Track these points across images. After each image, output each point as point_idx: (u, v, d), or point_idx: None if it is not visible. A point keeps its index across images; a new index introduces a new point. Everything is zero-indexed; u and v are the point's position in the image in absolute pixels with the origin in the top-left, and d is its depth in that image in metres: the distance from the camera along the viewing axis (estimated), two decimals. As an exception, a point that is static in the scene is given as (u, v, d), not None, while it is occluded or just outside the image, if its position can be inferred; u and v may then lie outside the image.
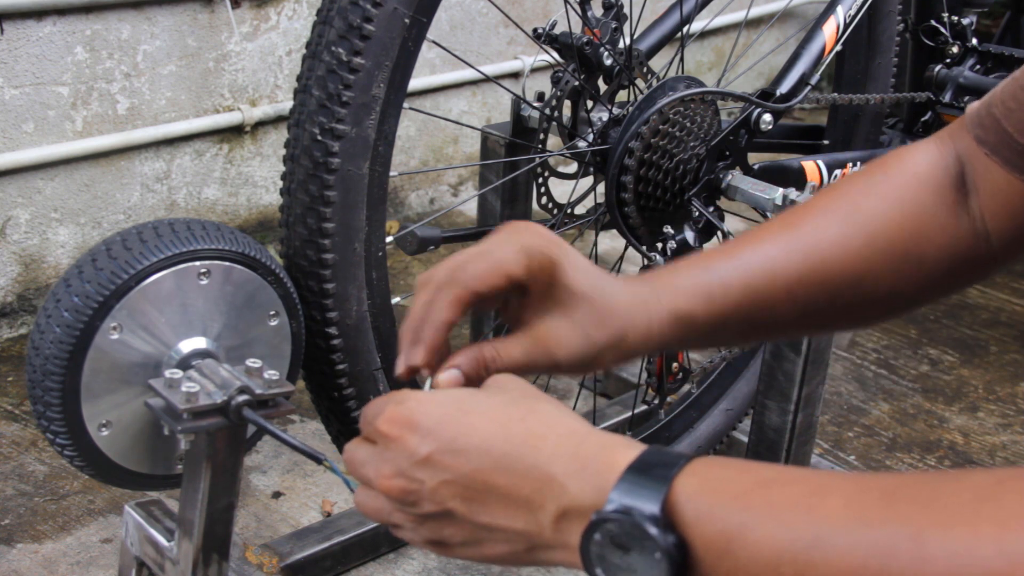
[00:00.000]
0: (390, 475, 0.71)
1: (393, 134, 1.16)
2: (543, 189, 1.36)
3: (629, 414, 1.94)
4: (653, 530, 0.61)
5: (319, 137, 1.10)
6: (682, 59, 1.42)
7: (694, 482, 0.62)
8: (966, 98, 1.74)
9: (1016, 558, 0.52)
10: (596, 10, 1.35)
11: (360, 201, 1.14)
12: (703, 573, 0.61)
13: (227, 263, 1.03)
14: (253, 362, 1.00)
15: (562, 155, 1.36)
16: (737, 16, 3.20)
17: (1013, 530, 0.53)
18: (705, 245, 1.36)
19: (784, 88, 1.39)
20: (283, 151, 1.17)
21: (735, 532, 0.60)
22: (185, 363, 1.01)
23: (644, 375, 1.45)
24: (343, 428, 1.24)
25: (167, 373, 0.97)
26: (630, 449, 0.66)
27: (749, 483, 0.62)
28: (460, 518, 0.70)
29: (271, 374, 1.01)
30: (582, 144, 1.34)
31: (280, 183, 1.17)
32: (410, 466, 0.70)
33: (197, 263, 1.01)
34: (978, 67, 1.73)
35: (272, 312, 1.08)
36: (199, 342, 1.02)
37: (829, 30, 1.43)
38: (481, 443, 0.69)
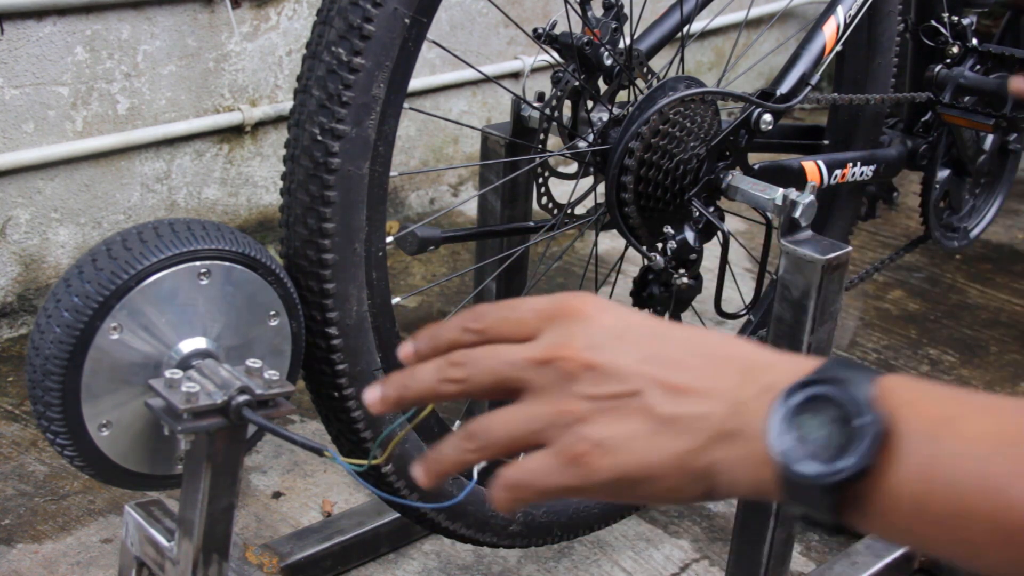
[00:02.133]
0: (578, 346, 0.62)
1: (393, 134, 1.16)
2: (543, 189, 1.36)
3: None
4: (864, 393, 0.56)
5: (319, 137, 1.10)
6: (682, 59, 1.42)
7: (898, 379, 0.58)
8: (966, 98, 1.74)
9: None
10: (597, 11, 1.35)
11: (360, 201, 1.14)
12: (905, 456, 0.55)
13: (227, 263, 1.03)
14: (253, 362, 1.01)
15: (562, 155, 1.36)
16: (737, 16, 3.19)
17: None
18: (705, 245, 1.36)
19: (784, 88, 1.39)
20: (283, 151, 1.17)
21: (950, 416, 0.55)
22: (185, 363, 1.01)
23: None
24: (343, 428, 1.24)
25: (167, 373, 0.97)
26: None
27: (958, 395, 0.57)
28: (649, 399, 0.61)
29: (271, 374, 1.01)
30: (582, 144, 1.34)
31: (280, 183, 1.17)
32: (601, 339, 0.63)
33: (197, 263, 1.01)
34: (978, 67, 1.73)
35: (272, 312, 1.08)
36: (199, 342, 1.02)
37: (829, 30, 1.43)
38: (678, 333, 0.63)
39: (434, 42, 1.27)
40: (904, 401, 0.56)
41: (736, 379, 0.60)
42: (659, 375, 0.61)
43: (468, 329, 0.67)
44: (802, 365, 0.60)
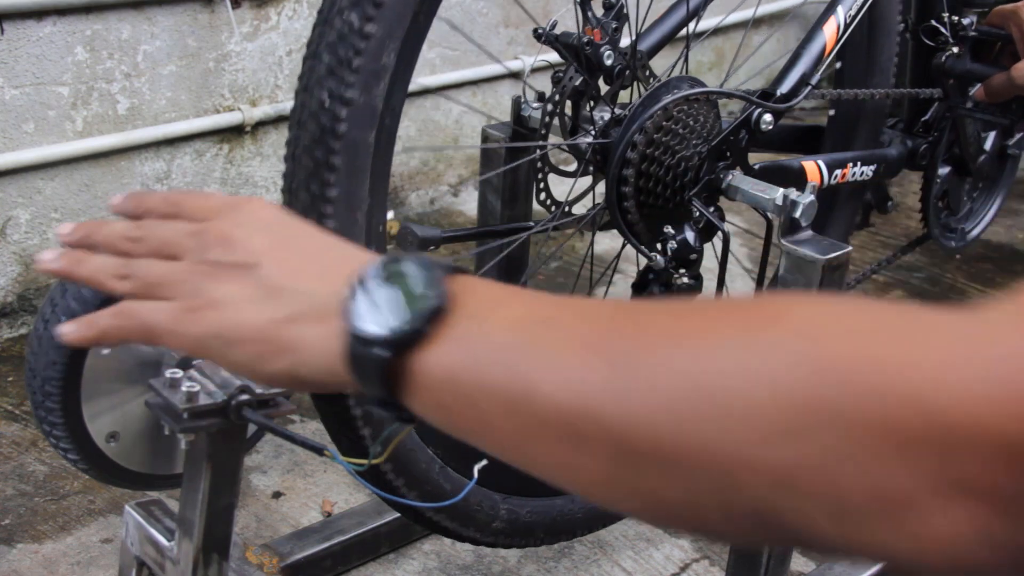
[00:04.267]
0: (224, 225, 0.72)
1: (400, 107, 1.15)
2: (542, 185, 1.36)
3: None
4: (435, 275, 0.62)
5: (327, 103, 1.09)
6: (686, 60, 1.42)
7: (475, 278, 0.64)
8: (971, 90, 1.73)
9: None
10: (597, 12, 1.35)
11: (364, 170, 1.12)
12: (451, 331, 0.60)
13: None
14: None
15: (563, 147, 1.36)
16: (737, 16, 3.19)
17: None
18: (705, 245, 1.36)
19: (784, 88, 1.39)
20: (284, 151, 1.17)
21: (500, 301, 0.61)
22: (185, 362, 1.01)
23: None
24: (341, 424, 1.24)
25: (167, 373, 0.97)
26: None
27: (510, 292, 0.63)
28: (263, 272, 0.68)
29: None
30: (585, 139, 1.34)
31: (281, 183, 1.17)
32: (247, 223, 0.71)
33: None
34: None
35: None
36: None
37: (829, 30, 1.43)
38: (322, 235, 0.72)
39: (448, 22, 1.27)
40: (468, 288, 0.62)
41: (343, 274, 0.65)
42: (279, 256, 0.69)
43: (161, 211, 0.76)
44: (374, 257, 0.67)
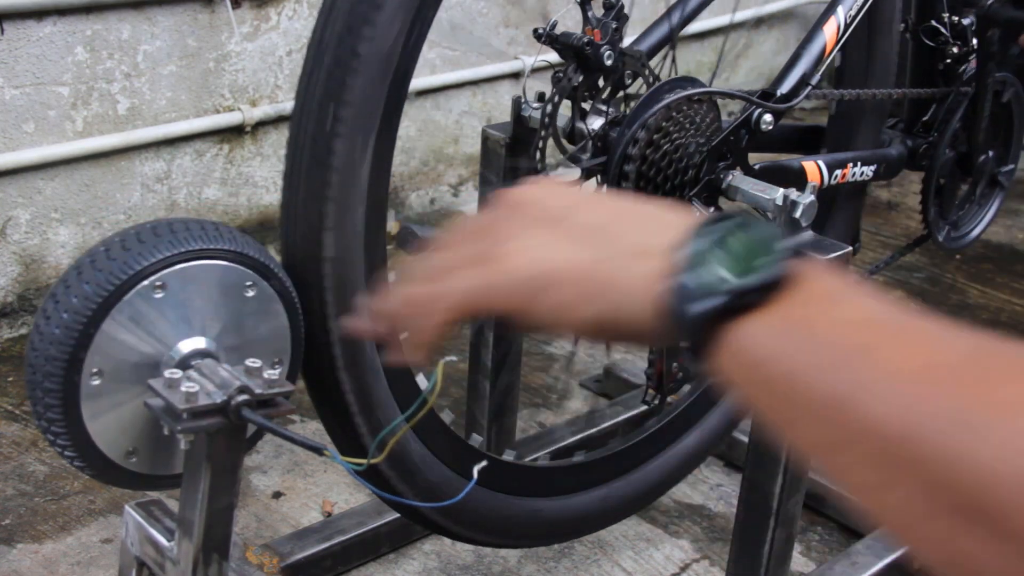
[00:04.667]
0: (529, 197, 0.68)
1: (418, 51, 1.15)
2: None
3: (629, 414, 1.94)
4: (785, 244, 0.57)
5: (348, 30, 1.10)
6: (674, 60, 1.42)
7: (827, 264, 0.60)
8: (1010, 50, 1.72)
9: None
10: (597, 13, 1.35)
11: (379, 98, 1.13)
12: (782, 309, 0.56)
13: (226, 263, 1.03)
14: (253, 362, 1.00)
15: (564, 164, 1.36)
16: (737, 17, 3.20)
17: None
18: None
19: (784, 88, 1.39)
20: (284, 151, 1.16)
21: (842, 297, 0.56)
22: (185, 363, 1.01)
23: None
24: (339, 420, 1.24)
25: (166, 373, 0.97)
26: None
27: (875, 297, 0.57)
28: (574, 219, 0.65)
29: (271, 374, 1.01)
30: (586, 147, 1.34)
31: (280, 183, 1.17)
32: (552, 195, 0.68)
33: (196, 263, 1.01)
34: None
35: (271, 311, 1.08)
36: (198, 342, 1.02)
37: (829, 30, 1.43)
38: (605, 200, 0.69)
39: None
40: (809, 273, 0.57)
41: (673, 223, 0.63)
42: (592, 207, 0.66)
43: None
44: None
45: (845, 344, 0.53)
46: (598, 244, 0.63)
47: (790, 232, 0.58)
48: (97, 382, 0.98)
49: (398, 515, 1.58)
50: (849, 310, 0.56)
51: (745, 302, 0.56)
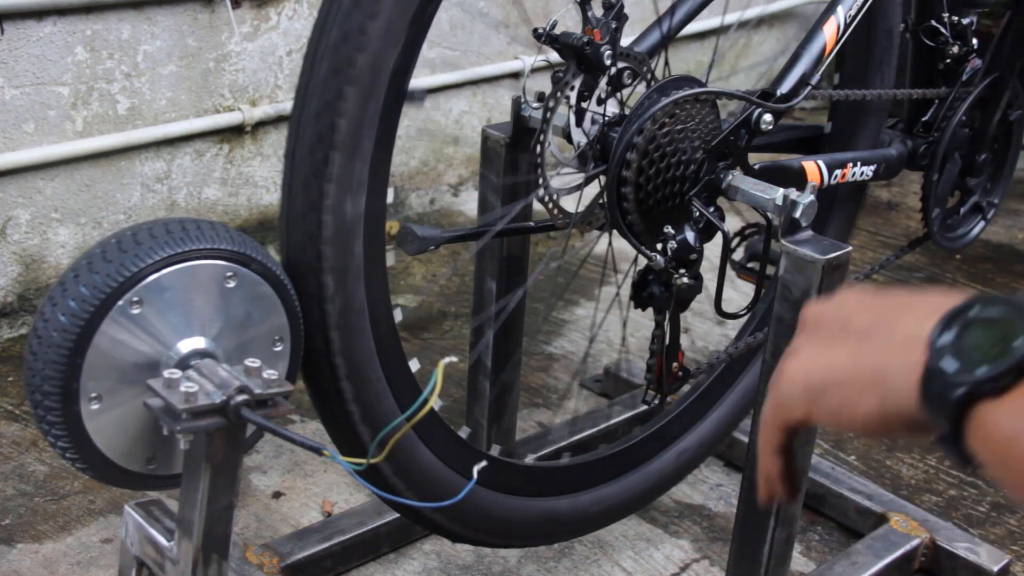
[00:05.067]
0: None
1: (426, 29, 1.16)
2: (550, 206, 1.36)
3: (630, 414, 1.94)
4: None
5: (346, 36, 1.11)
6: (667, 61, 1.42)
7: None
8: None
9: None
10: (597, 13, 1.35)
11: (384, 70, 1.13)
12: None
13: (225, 263, 1.03)
14: (252, 362, 1.00)
15: (564, 167, 1.35)
16: (734, 17, 3.19)
17: None
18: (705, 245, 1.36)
19: (784, 88, 1.38)
20: (283, 151, 1.17)
21: None
22: (184, 363, 1.01)
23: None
24: (341, 425, 1.24)
25: (166, 373, 0.97)
26: None
27: None
28: (850, 326, 0.69)
29: (270, 374, 1.01)
30: (585, 144, 1.34)
31: (280, 183, 1.17)
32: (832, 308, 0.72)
33: (195, 263, 1.01)
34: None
35: (270, 311, 1.08)
36: (198, 342, 1.02)
37: (829, 30, 1.43)
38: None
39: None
40: None
41: (932, 310, 0.65)
42: (857, 307, 0.70)
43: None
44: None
45: None
46: (865, 342, 0.67)
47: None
48: (97, 382, 0.98)
49: (398, 515, 1.58)
50: None
51: (995, 386, 0.58)
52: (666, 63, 1.42)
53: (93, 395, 0.98)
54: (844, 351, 0.68)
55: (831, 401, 0.67)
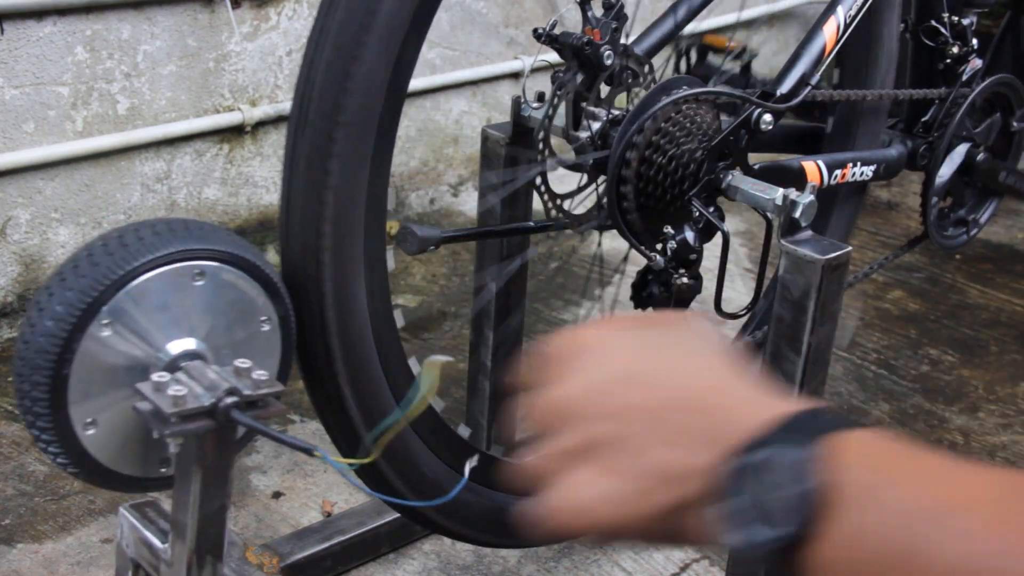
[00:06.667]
0: (577, 386, 0.67)
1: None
2: (546, 199, 1.36)
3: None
4: (800, 457, 0.60)
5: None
6: (675, 60, 1.42)
7: (856, 436, 0.61)
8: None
9: None
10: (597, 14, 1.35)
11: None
12: (832, 529, 0.59)
13: (214, 263, 1.02)
14: (242, 362, 1.00)
15: (562, 163, 1.35)
16: (734, 17, 3.19)
17: None
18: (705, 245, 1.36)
19: (784, 88, 1.38)
20: (283, 151, 1.16)
21: (881, 489, 0.58)
22: (173, 365, 1.00)
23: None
24: (339, 425, 1.23)
25: (155, 376, 0.96)
26: (797, 406, 0.63)
27: (903, 458, 0.60)
28: (638, 443, 0.65)
29: (260, 374, 1.00)
30: (587, 143, 1.34)
31: (280, 183, 1.17)
32: (601, 381, 0.67)
33: (184, 264, 1.00)
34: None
35: (261, 311, 1.08)
36: (187, 343, 1.01)
37: (829, 30, 1.43)
38: (670, 381, 0.67)
39: None
40: (846, 465, 0.59)
41: (716, 435, 0.63)
42: (651, 417, 0.65)
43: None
44: (765, 416, 0.63)
45: (907, 520, 0.56)
46: (646, 479, 0.64)
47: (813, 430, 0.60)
48: (85, 386, 0.97)
49: (398, 515, 1.58)
50: (902, 491, 0.58)
51: (797, 539, 0.59)
52: (675, 61, 1.42)
53: (82, 400, 0.98)
54: (623, 483, 0.64)
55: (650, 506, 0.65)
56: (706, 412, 0.65)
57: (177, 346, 1.01)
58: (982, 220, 1.91)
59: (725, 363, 0.68)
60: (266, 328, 1.08)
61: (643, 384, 0.67)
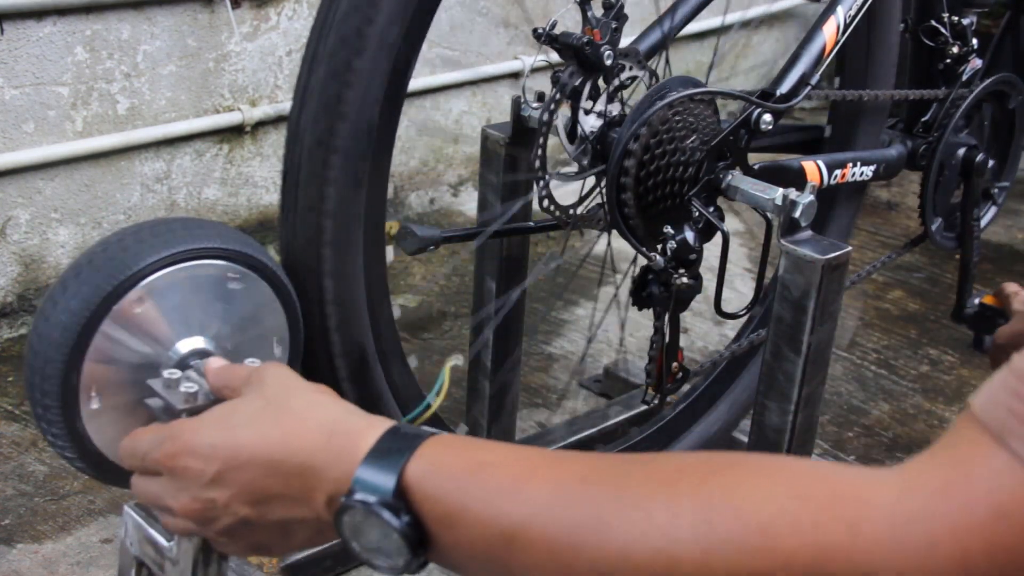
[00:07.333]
0: (188, 501, 0.82)
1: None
2: (546, 203, 1.36)
3: (630, 414, 1.93)
4: (387, 514, 0.71)
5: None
6: (668, 61, 1.42)
7: (422, 464, 0.72)
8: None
9: (676, 541, 0.62)
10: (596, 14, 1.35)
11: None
12: (437, 547, 0.72)
13: (223, 262, 1.03)
14: (251, 361, 1.00)
15: (563, 175, 1.35)
16: (734, 17, 3.19)
17: (679, 515, 0.63)
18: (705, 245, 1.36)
19: (784, 88, 1.38)
20: (283, 151, 1.17)
21: (456, 512, 0.70)
22: (183, 363, 1.00)
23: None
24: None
25: (165, 373, 0.97)
26: (374, 432, 0.76)
27: (467, 466, 0.72)
28: (258, 522, 0.80)
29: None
30: (587, 147, 1.34)
31: (280, 183, 1.17)
32: (201, 489, 0.81)
33: (193, 263, 1.01)
34: None
35: (269, 309, 1.08)
36: (197, 341, 1.02)
37: (829, 30, 1.43)
38: (251, 456, 0.79)
39: None
40: (421, 499, 0.72)
41: (305, 495, 0.78)
42: (252, 502, 0.81)
43: None
44: (345, 468, 0.75)
45: (493, 491, 0.72)
46: (305, 524, 0.81)
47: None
48: (96, 383, 0.98)
49: (398, 515, 1.58)
50: (464, 530, 0.71)
51: (414, 561, 0.74)
52: (667, 62, 1.42)
53: (92, 395, 0.98)
54: (297, 536, 0.81)
55: (301, 545, 0.84)
56: (290, 476, 0.78)
57: (187, 344, 1.01)
58: (983, 222, 1.91)
59: (302, 408, 0.81)
60: (273, 326, 1.09)
61: (235, 468, 0.80)
